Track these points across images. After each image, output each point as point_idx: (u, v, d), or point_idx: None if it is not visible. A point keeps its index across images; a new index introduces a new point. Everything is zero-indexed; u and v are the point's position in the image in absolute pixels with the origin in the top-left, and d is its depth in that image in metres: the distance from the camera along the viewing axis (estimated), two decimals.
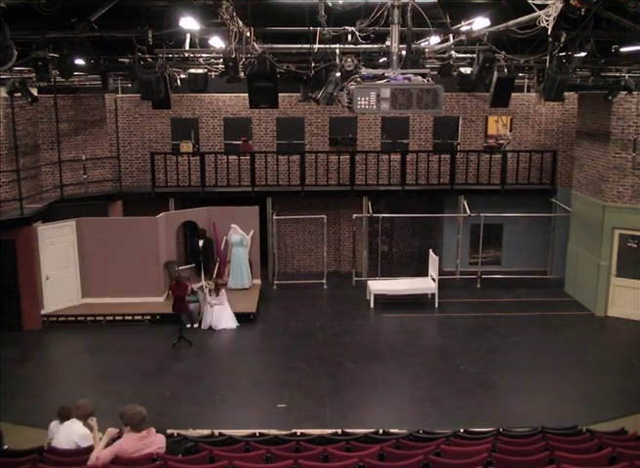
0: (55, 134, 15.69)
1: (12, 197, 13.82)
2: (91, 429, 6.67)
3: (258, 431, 8.53)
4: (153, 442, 6.22)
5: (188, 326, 13.87)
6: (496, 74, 8.97)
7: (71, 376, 12.06)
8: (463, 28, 7.29)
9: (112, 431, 6.39)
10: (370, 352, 12.80)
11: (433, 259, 15.79)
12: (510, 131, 19.14)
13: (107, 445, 6.17)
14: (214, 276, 16.42)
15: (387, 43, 7.10)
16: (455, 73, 10.25)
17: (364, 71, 5.94)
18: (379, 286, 15.75)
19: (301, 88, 12.07)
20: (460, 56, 9.34)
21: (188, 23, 7.04)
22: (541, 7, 5.02)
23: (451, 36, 8.07)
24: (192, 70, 10.93)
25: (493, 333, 13.75)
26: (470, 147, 18.08)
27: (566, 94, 13.03)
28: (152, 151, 17.27)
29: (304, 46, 7.75)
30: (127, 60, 9.57)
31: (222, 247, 16.32)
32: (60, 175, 15.80)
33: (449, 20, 6.69)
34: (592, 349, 12.98)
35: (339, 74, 8.27)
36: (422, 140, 18.13)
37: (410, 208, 17.61)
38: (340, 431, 8.25)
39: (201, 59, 10.56)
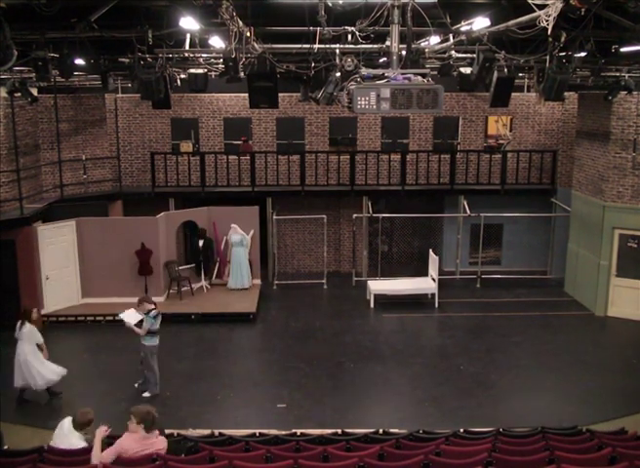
0: (55, 134, 15.69)
1: (12, 197, 13.82)
2: (90, 440, 6.66)
3: (258, 431, 8.53)
4: (154, 443, 6.23)
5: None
6: (496, 74, 8.96)
7: (71, 376, 12.04)
8: (463, 28, 7.28)
9: (102, 430, 6.40)
10: (370, 352, 12.80)
11: (433, 259, 15.79)
12: (510, 131, 19.14)
13: (104, 444, 6.18)
14: (214, 276, 16.44)
15: (387, 43, 7.10)
16: (455, 73, 10.25)
17: (364, 71, 5.94)
18: (379, 286, 15.75)
19: (301, 88, 12.06)
20: (460, 56, 9.34)
21: (188, 23, 7.04)
22: (541, 7, 5.02)
23: (451, 36, 8.07)
24: (192, 70, 10.92)
25: (493, 333, 13.75)
26: (470, 147, 18.08)
27: (566, 94, 13.03)
28: (152, 151, 17.28)
29: (304, 46, 7.74)
30: (127, 60, 9.56)
31: (222, 247, 16.32)
32: (60, 175, 15.80)
33: (449, 20, 6.69)
34: (592, 349, 12.98)
35: (339, 74, 8.27)
36: (422, 140, 18.13)
37: (410, 208, 17.62)
38: (340, 431, 8.24)
39: (201, 59, 10.55)
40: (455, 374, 11.76)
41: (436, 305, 15.36)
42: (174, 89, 10.68)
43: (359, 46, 7.48)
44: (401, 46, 6.03)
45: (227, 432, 8.20)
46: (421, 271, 16.78)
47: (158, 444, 6.26)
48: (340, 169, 17.35)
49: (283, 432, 8.33)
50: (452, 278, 17.29)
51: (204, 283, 16.00)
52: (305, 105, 16.53)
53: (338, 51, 8.12)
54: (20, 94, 12.33)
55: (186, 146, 18.04)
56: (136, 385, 11.19)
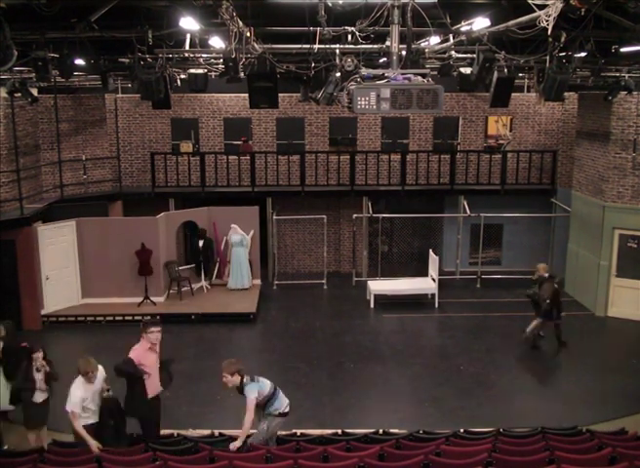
0: (55, 134, 15.69)
1: (12, 197, 13.82)
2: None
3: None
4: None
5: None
6: (496, 74, 8.96)
7: (71, 377, 12.03)
8: (463, 28, 7.29)
9: None
10: (370, 352, 12.80)
11: (433, 259, 15.79)
12: (510, 131, 19.14)
13: None
14: (214, 276, 16.44)
15: (387, 43, 7.10)
16: (455, 73, 10.25)
17: (364, 71, 5.94)
18: (379, 286, 15.75)
19: (301, 88, 12.07)
20: (460, 56, 9.34)
21: (188, 23, 7.05)
22: (541, 7, 5.02)
23: (451, 36, 8.08)
24: (192, 70, 10.92)
25: (493, 334, 13.74)
26: (470, 147, 18.08)
27: (566, 94, 13.04)
28: (152, 151, 17.27)
29: (304, 46, 7.75)
30: (127, 60, 9.57)
31: (222, 247, 16.32)
32: (60, 175, 15.80)
33: (449, 20, 6.69)
34: (592, 349, 12.98)
35: (339, 74, 8.27)
36: (422, 140, 18.13)
37: (410, 208, 17.62)
38: (340, 431, 8.25)
39: (201, 59, 10.55)
40: (455, 375, 11.76)
41: (436, 305, 15.36)
42: (174, 89, 10.69)
43: (359, 46, 7.48)
44: (401, 46, 6.03)
45: (227, 432, 8.20)
46: (421, 271, 16.78)
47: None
48: (340, 169, 17.35)
49: (283, 432, 8.33)
50: (452, 278, 17.29)
51: (204, 283, 16.00)
52: (305, 105, 16.52)
53: (338, 51, 8.12)
54: (20, 94, 12.33)
55: (186, 146, 18.04)
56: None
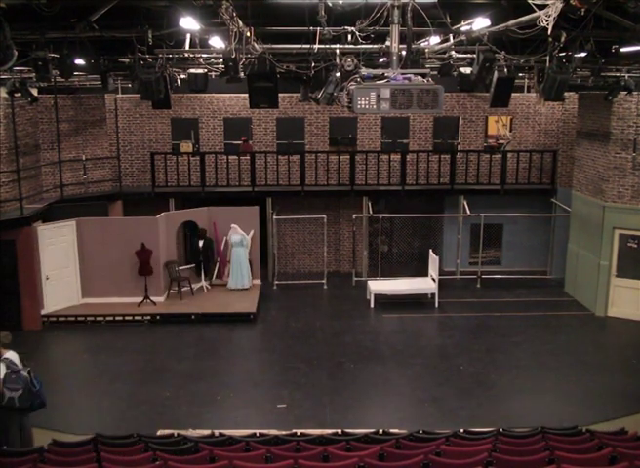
0: (55, 134, 15.69)
1: (12, 197, 13.82)
2: None
3: (258, 431, 8.53)
4: None
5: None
6: (496, 74, 8.96)
7: (71, 376, 12.06)
8: (463, 28, 7.29)
9: None
10: (370, 352, 12.80)
11: (433, 259, 15.79)
12: (510, 131, 19.14)
13: None
14: (214, 276, 16.44)
15: (387, 43, 7.11)
16: (455, 73, 10.25)
17: (364, 71, 5.94)
18: (379, 286, 15.75)
19: (301, 88, 12.07)
20: (460, 56, 9.34)
21: (188, 23, 7.04)
22: (541, 7, 5.02)
23: (451, 36, 8.07)
24: (192, 70, 10.92)
25: (493, 333, 13.74)
26: (470, 147, 18.08)
27: (566, 94, 13.03)
28: (152, 151, 17.27)
29: (304, 46, 7.75)
30: (127, 60, 9.57)
31: (222, 247, 16.32)
32: (60, 175, 15.80)
33: (449, 20, 6.69)
34: (592, 349, 12.98)
35: (339, 74, 8.28)
36: (422, 140, 18.13)
37: (410, 208, 17.62)
38: (340, 431, 8.25)
39: (201, 59, 10.55)
40: (455, 375, 11.75)
41: (436, 305, 15.36)
42: (174, 89, 10.69)
43: (359, 46, 7.49)
44: (401, 46, 6.03)
45: (227, 432, 8.21)
46: (421, 271, 16.78)
47: None
48: (339, 169, 17.35)
49: (283, 432, 8.33)
50: (452, 278, 17.29)
51: (204, 283, 16.00)
52: (305, 105, 16.53)
53: (338, 51, 8.12)
54: (20, 94, 12.34)
55: (186, 146, 18.04)
56: None
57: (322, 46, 7.66)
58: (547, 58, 8.14)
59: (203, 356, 12.66)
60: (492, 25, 6.89)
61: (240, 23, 6.75)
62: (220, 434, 8.13)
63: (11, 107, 13.81)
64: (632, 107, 13.80)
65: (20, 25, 6.91)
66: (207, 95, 17.01)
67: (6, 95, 12.66)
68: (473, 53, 8.61)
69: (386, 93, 5.44)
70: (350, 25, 6.80)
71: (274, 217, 16.98)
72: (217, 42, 8.62)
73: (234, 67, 8.08)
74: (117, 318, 14.36)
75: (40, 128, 15.63)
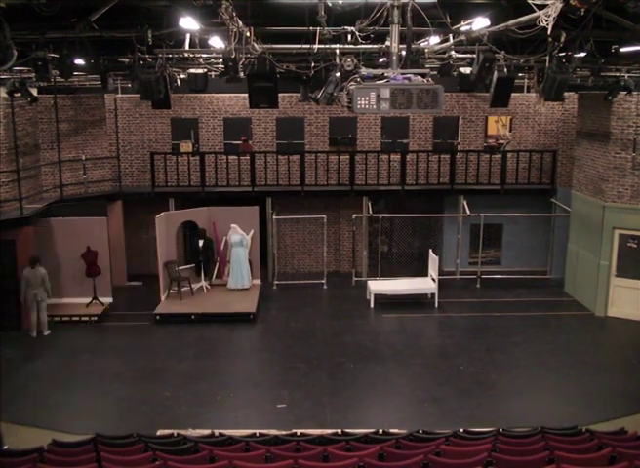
0: (55, 134, 15.69)
1: (12, 197, 13.82)
2: None
3: (258, 431, 8.54)
4: None
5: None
6: (495, 74, 8.97)
7: (71, 376, 12.06)
8: (463, 28, 7.29)
9: None
10: (370, 352, 12.80)
11: (433, 259, 15.79)
12: (510, 131, 19.14)
13: None
14: (214, 276, 16.44)
15: (387, 43, 7.11)
16: (455, 73, 10.26)
17: (364, 71, 5.94)
18: (379, 286, 15.75)
19: (301, 88, 12.07)
20: (459, 56, 9.34)
21: (188, 23, 7.04)
22: (541, 7, 5.02)
23: (451, 36, 8.07)
24: (192, 70, 10.92)
25: (493, 333, 13.75)
26: (470, 147, 18.08)
27: (566, 94, 13.03)
28: (152, 151, 17.27)
29: (304, 46, 7.75)
30: (127, 60, 9.57)
31: (222, 247, 16.32)
32: (60, 175, 15.80)
33: (449, 20, 6.69)
34: (592, 349, 12.98)
35: (338, 74, 8.28)
36: (422, 140, 18.13)
37: (410, 208, 17.62)
38: (340, 431, 8.25)
39: (201, 59, 10.55)
40: (455, 374, 11.76)
41: (436, 305, 15.36)
42: (174, 89, 10.69)
43: (359, 46, 7.49)
44: (401, 46, 6.03)
45: (227, 432, 8.21)
46: (421, 271, 16.78)
47: None
48: (339, 169, 17.35)
49: (283, 432, 8.33)
50: (452, 278, 17.29)
51: (204, 283, 16.00)
52: (305, 105, 16.53)
53: (337, 51, 8.12)
54: (19, 94, 12.33)
55: (186, 146, 18.04)
56: None
57: (322, 46, 7.66)
58: (547, 58, 8.14)
59: (203, 356, 12.67)
60: (492, 25, 6.89)
61: (240, 23, 6.75)
62: (220, 434, 8.13)
63: (11, 107, 13.81)
64: (632, 107, 13.80)
65: (20, 25, 6.91)
66: (207, 95, 17.01)
67: (6, 95, 12.65)
68: (473, 53, 8.61)
69: (386, 93, 5.44)
70: (350, 25, 6.80)
71: (274, 217, 16.98)
72: (216, 42, 8.62)
73: (234, 67, 8.08)
74: (64, 318, 14.27)
75: (40, 128, 15.63)
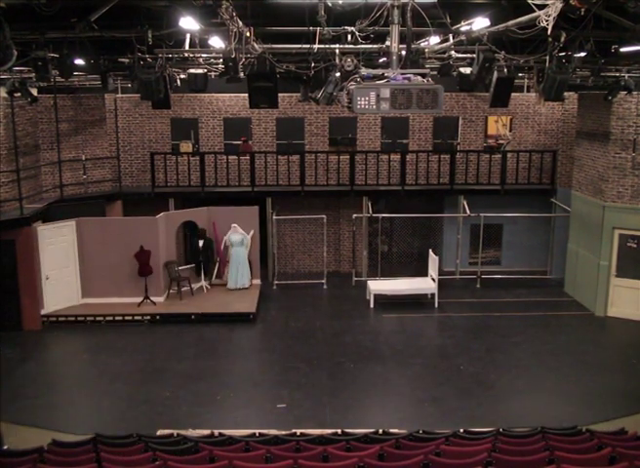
0: (55, 134, 15.69)
1: (12, 197, 13.82)
2: None
3: (258, 431, 8.54)
4: None
5: None
6: (495, 74, 8.96)
7: (71, 376, 12.07)
8: (463, 28, 7.29)
9: None
10: (370, 352, 12.80)
11: (433, 259, 15.79)
12: (510, 131, 19.14)
13: None
14: (214, 276, 16.44)
15: (387, 43, 7.10)
16: (455, 73, 10.25)
17: (364, 71, 5.94)
18: (378, 286, 15.75)
19: (301, 88, 12.06)
20: (459, 56, 9.33)
21: (188, 23, 7.04)
22: (541, 7, 5.02)
23: (451, 36, 8.07)
24: (192, 70, 10.92)
25: (493, 333, 13.75)
26: (470, 147, 18.09)
27: (566, 94, 13.03)
28: (152, 151, 17.27)
29: (304, 46, 7.75)
30: (127, 60, 9.57)
31: (222, 247, 16.32)
32: (60, 175, 15.80)
33: (449, 20, 6.69)
34: (592, 349, 12.98)
35: (338, 74, 8.27)
36: (422, 140, 18.13)
37: (410, 208, 17.62)
38: (340, 431, 8.25)
39: (201, 59, 10.55)
40: (455, 374, 11.76)
41: (436, 305, 15.36)
42: (174, 89, 10.69)
43: (359, 46, 7.49)
44: (401, 46, 6.03)
45: (227, 432, 8.21)
46: (421, 271, 16.78)
47: None
48: (339, 169, 17.35)
49: (283, 432, 8.34)
50: (452, 278, 17.29)
51: (204, 283, 16.00)
52: (305, 105, 16.53)
53: (337, 51, 8.12)
54: (19, 94, 12.33)
55: (186, 146, 18.04)
56: None
57: (322, 46, 7.65)
58: (547, 58, 8.14)
59: (203, 356, 12.66)
60: (492, 25, 6.89)
61: (240, 23, 6.75)
62: (220, 434, 8.13)
63: (11, 107, 13.81)
64: (632, 107, 13.80)
65: (20, 25, 6.91)
66: (207, 95, 17.01)
67: (6, 95, 12.66)
68: (473, 53, 8.60)
69: (386, 93, 5.44)
70: (350, 25, 6.80)
71: (274, 217, 16.98)
72: (216, 42, 8.62)
73: (234, 67, 8.08)
74: (117, 318, 14.36)
75: (40, 128, 15.63)
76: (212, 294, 15.79)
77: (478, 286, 17.06)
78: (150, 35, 7.56)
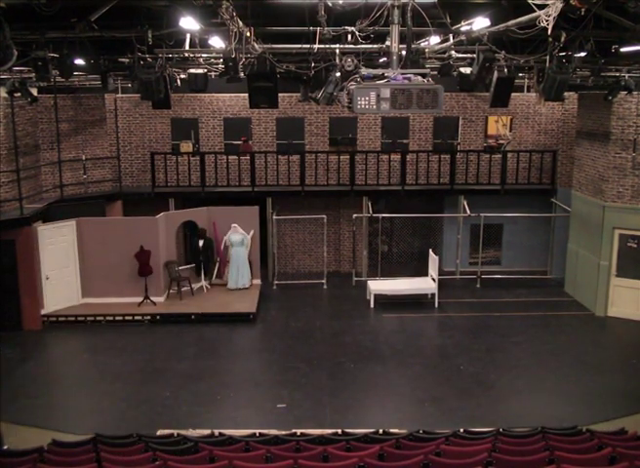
0: (55, 134, 15.69)
1: (12, 197, 13.82)
2: None
3: (258, 431, 8.54)
4: None
5: None
6: (496, 74, 8.97)
7: (71, 376, 12.07)
8: (463, 28, 7.29)
9: None
10: (370, 352, 12.80)
11: (433, 259, 15.79)
12: (510, 131, 19.14)
13: None
14: (214, 276, 16.44)
15: (387, 43, 7.10)
16: (455, 73, 10.25)
17: (364, 71, 5.94)
18: (379, 286, 15.75)
19: (301, 88, 12.06)
20: (460, 56, 9.34)
21: (188, 23, 7.04)
22: (541, 7, 5.02)
23: (451, 36, 8.07)
24: (192, 70, 10.92)
25: (493, 333, 13.75)
26: (470, 147, 18.08)
27: (566, 94, 13.02)
28: (152, 151, 17.27)
29: (304, 46, 7.75)
30: (127, 60, 9.57)
31: (222, 247, 16.32)
32: (60, 175, 15.80)
33: (449, 20, 6.69)
34: (592, 349, 12.98)
35: (339, 74, 8.27)
36: (422, 140, 18.13)
37: (410, 208, 17.62)
38: (340, 431, 8.25)
39: (201, 59, 10.55)
40: (455, 374, 11.76)
41: (436, 305, 15.36)
42: (174, 89, 10.70)
43: (359, 46, 7.49)
44: (401, 46, 6.03)
45: (227, 432, 8.21)
46: (421, 271, 16.78)
47: None
48: (339, 169, 17.35)
49: (283, 432, 8.34)
50: (452, 278, 17.29)
51: (204, 283, 16.00)
52: (305, 105, 16.52)
53: (338, 51, 8.12)
54: (19, 94, 12.33)
55: (186, 146, 18.04)
56: None
57: (322, 46, 7.65)
58: (547, 58, 8.14)
59: (203, 356, 12.67)
60: (492, 25, 6.89)
61: (240, 23, 6.75)
62: (220, 434, 8.13)
63: (11, 107, 13.81)
64: (632, 107, 13.80)
65: (20, 25, 6.91)
66: (207, 95, 17.01)
67: (6, 95, 12.66)
68: (473, 53, 8.61)
69: (386, 93, 5.44)
70: (350, 25, 6.80)
71: (274, 217, 16.98)
72: (217, 42, 8.62)
73: (234, 67, 8.08)
74: (117, 318, 14.36)
75: (40, 128, 15.63)
76: (212, 294, 15.79)
77: (478, 286, 17.06)
78: (150, 35, 7.56)
